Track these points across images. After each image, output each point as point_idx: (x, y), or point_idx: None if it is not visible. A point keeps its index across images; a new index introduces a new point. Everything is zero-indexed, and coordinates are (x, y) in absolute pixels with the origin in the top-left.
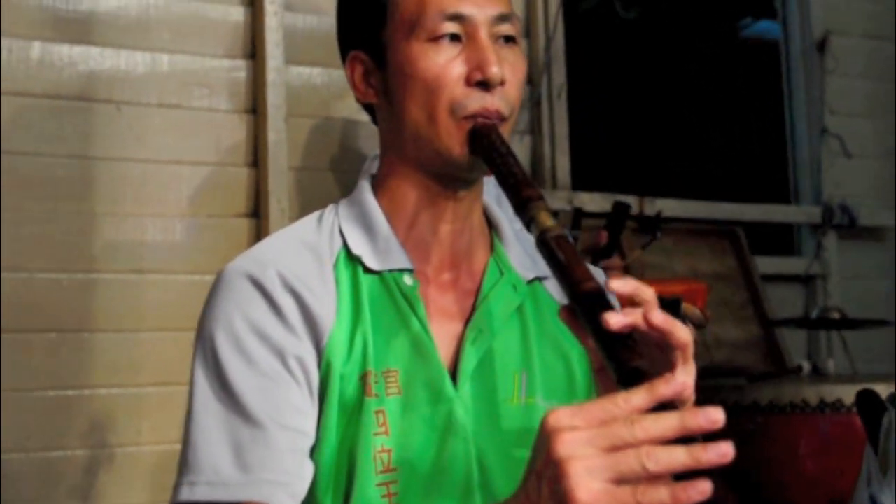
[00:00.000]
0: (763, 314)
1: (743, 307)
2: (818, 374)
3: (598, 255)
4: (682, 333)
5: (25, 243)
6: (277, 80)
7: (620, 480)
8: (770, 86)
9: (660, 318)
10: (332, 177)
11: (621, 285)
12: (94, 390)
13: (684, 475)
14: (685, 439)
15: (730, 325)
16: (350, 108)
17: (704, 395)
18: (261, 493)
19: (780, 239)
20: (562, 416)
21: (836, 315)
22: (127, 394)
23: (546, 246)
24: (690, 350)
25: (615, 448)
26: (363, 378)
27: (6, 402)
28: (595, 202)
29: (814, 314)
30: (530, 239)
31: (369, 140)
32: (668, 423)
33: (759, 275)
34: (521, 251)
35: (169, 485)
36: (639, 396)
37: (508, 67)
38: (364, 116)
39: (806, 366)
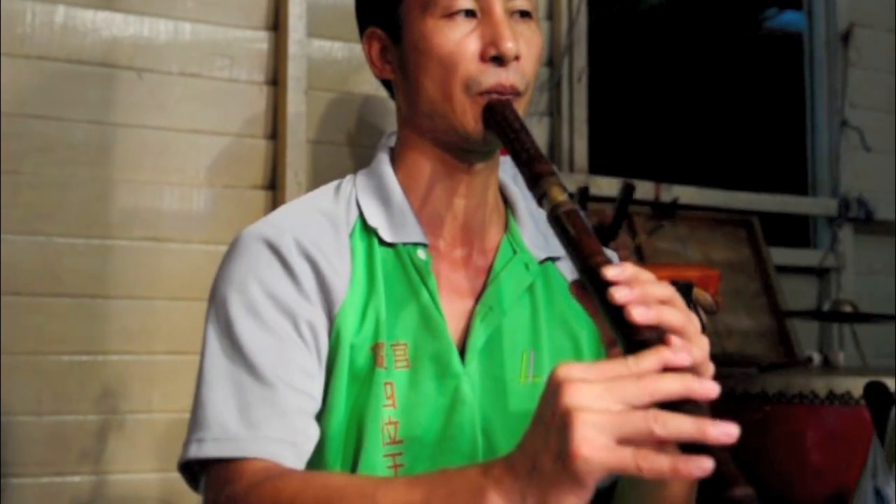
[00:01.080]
0: (776, 305)
1: (756, 297)
2: (828, 366)
3: (603, 235)
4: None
5: (43, 207)
6: (299, 53)
7: (626, 440)
8: (791, 77)
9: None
10: (349, 151)
11: (618, 274)
12: (107, 356)
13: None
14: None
15: (742, 314)
16: (370, 84)
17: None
18: (267, 449)
19: (795, 230)
20: (572, 369)
21: (848, 308)
22: (139, 361)
23: (557, 220)
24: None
25: (622, 402)
26: (374, 349)
27: (20, 366)
28: (612, 186)
29: (826, 307)
30: (544, 219)
31: (388, 116)
32: (672, 382)
33: (773, 265)
34: (535, 231)
35: (178, 452)
36: (648, 360)
37: (524, 42)
38: (384, 92)
39: (816, 357)
